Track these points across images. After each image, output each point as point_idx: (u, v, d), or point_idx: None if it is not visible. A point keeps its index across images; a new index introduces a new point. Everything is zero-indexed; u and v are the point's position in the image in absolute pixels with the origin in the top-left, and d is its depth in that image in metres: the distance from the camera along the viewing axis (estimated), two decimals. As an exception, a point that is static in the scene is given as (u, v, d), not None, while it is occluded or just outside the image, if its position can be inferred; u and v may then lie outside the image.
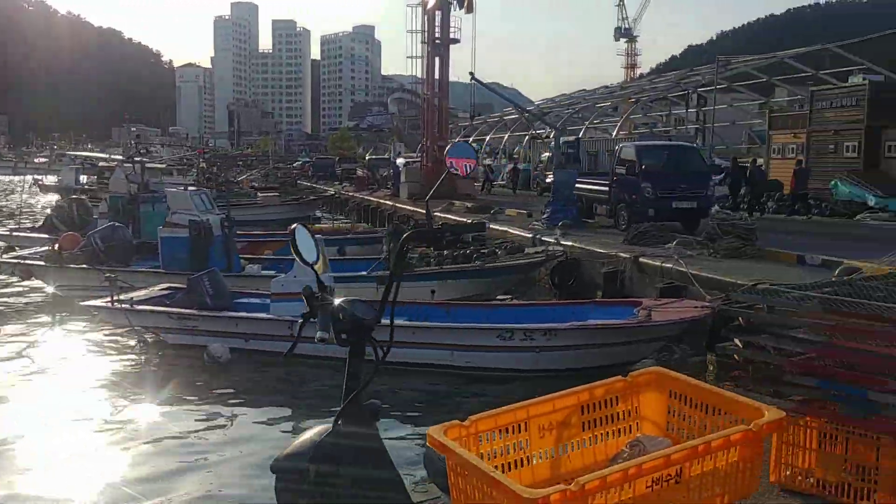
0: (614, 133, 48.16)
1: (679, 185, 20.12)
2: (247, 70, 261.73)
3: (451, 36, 37.92)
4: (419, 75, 41.77)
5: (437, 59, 37.93)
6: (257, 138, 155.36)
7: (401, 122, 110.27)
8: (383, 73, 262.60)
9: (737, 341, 4.61)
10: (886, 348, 3.90)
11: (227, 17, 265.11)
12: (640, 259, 15.52)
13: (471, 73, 25.97)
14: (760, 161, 30.42)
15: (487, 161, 50.37)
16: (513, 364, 11.15)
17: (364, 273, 16.32)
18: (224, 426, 9.67)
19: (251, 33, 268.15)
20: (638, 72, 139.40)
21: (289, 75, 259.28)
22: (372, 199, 40.15)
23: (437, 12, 37.11)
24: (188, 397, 10.75)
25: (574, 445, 3.73)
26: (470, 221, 22.32)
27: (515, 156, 53.73)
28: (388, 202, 36.73)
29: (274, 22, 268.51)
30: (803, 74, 47.53)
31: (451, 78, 39.52)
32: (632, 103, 62.16)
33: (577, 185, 23.41)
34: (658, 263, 14.94)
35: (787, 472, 4.35)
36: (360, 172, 54.90)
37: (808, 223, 23.59)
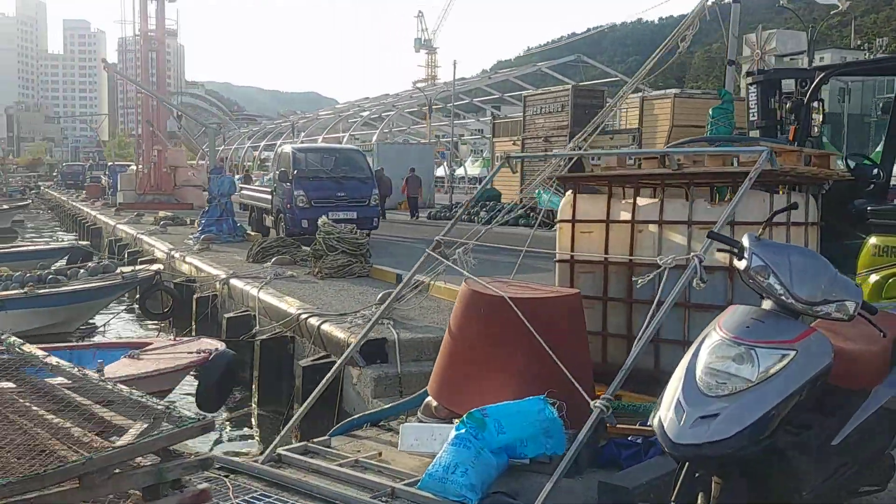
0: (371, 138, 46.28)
1: (337, 194, 17.79)
2: (34, 72, 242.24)
3: (169, 27, 34.49)
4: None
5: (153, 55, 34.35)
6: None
7: (186, 127, 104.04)
8: (189, 78, 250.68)
9: None
10: None
11: (10, 16, 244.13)
12: (231, 281, 12.91)
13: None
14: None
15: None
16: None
17: None
18: None
19: (38, 32, 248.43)
20: (440, 83, 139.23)
21: (82, 78, 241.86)
22: (83, 207, 35.87)
23: (150, 2, 33.51)
24: None
25: None
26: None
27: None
28: (91, 212, 32.63)
29: (65, 21, 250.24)
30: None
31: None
32: (438, 109, 60.97)
33: (245, 194, 20.71)
34: (241, 286, 12.38)
35: None
36: (103, 180, 50.04)
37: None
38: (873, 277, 6.59)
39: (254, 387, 10.04)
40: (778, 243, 3.58)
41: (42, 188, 64.69)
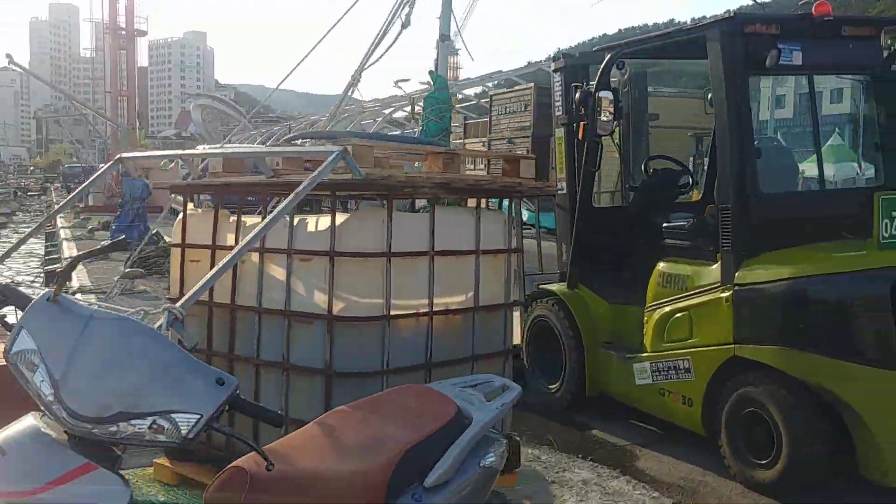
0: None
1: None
2: (66, 74, 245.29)
3: (138, 27, 33.63)
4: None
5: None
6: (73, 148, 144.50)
7: (205, 130, 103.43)
8: (222, 80, 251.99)
9: None
10: None
11: (44, 19, 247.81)
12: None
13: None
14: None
15: None
16: None
17: None
18: None
19: (71, 36, 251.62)
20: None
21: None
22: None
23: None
24: None
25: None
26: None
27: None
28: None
29: (97, 25, 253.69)
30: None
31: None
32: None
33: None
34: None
35: None
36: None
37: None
38: (657, 314, 5.13)
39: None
40: (85, 308, 2.13)
41: (49, 189, 64.72)
